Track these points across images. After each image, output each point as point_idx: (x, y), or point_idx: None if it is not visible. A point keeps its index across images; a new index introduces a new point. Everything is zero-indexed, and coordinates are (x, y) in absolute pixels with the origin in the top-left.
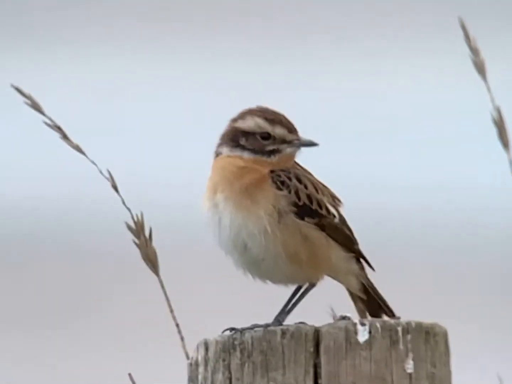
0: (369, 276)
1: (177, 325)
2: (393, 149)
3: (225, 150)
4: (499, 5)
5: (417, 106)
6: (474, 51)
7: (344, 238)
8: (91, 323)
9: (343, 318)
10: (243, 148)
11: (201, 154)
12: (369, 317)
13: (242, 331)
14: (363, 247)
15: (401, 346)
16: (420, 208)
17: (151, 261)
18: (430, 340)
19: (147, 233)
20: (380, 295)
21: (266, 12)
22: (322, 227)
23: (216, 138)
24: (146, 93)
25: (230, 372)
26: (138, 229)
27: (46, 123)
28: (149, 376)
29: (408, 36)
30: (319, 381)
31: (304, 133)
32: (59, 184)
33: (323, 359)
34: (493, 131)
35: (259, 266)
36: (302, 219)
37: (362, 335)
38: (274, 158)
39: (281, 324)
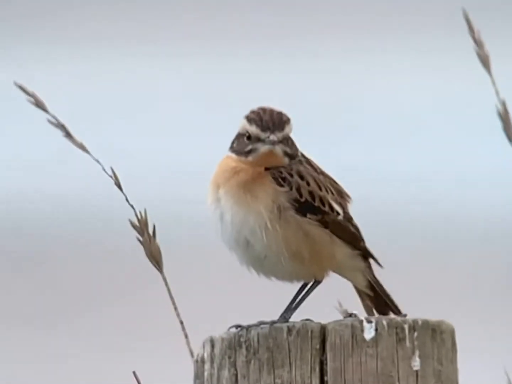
0: (377, 273)
1: (181, 323)
2: (397, 143)
3: (228, 151)
4: None
5: (421, 99)
6: (479, 44)
7: (349, 235)
8: (95, 321)
9: (350, 315)
10: (233, 149)
11: (205, 151)
12: (376, 314)
13: (248, 328)
14: (369, 243)
15: (407, 344)
16: (425, 202)
17: (155, 258)
18: (437, 338)
19: (151, 231)
20: (387, 293)
21: (267, 9)
22: (325, 224)
23: (219, 135)
24: (150, 91)
25: (236, 369)
26: (142, 227)
27: (49, 121)
28: (154, 374)
29: (411, 29)
30: (325, 378)
31: (306, 128)
32: (63, 182)
33: (329, 356)
34: (498, 125)
35: (262, 263)
36: (304, 216)
37: (369, 332)
38: (250, 158)
39: (287, 321)
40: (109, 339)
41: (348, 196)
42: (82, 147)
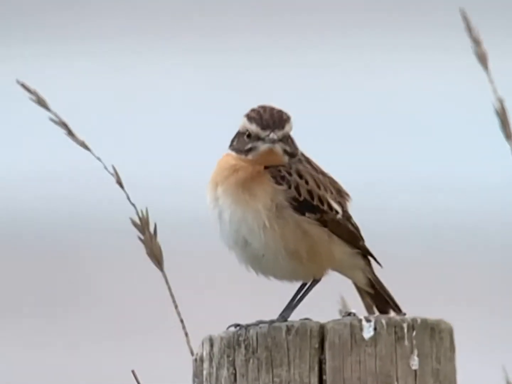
0: (377, 271)
1: (182, 321)
2: (394, 142)
3: (228, 149)
4: None
5: (418, 97)
6: (476, 42)
7: (348, 234)
8: (95, 319)
9: (349, 314)
10: (233, 147)
11: (206, 151)
12: (376, 312)
13: (247, 327)
14: (368, 243)
15: (406, 343)
16: (424, 203)
17: (156, 257)
18: (435, 337)
19: (152, 229)
20: (387, 291)
21: (269, 8)
22: (324, 223)
23: (221, 134)
24: (152, 90)
25: (234, 368)
26: (143, 225)
27: (51, 119)
28: (154, 372)
29: (409, 28)
30: (324, 377)
31: (306, 128)
32: (64, 180)
33: (328, 355)
34: (496, 122)
35: (260, 262)
36: (303, 214)
37: (367, 332)
38: (250, 156)
39: (286, 320)
40: (108, 337)
41: (347, 195)
42: (83, 145)
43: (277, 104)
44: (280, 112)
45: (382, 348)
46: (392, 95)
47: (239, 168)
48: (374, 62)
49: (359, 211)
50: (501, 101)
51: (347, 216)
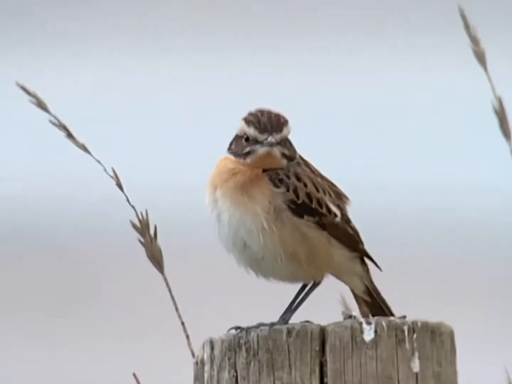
0: (377, 274)
1: (183, 324)
2: (392, 142)
3: (227, 152)
4: None
5: (416, 96)
6: (474, 41)
7: (347, 237)
8: (96, 322)
9: (349, 317)
10: (231, 150)
11: (206, 153)
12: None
13: (248, 330)
14: (368, 246)
15: (407, 345)
16: (422, 206)
17: (156, 259)
18: (436, 339)
19: (152, 232)
20: (384, 300)
21: (269, 8)
22: (323, 226)
23: (220, 137)
24: (152, 93)
25: (236, 371)
26: (143, 228)
27: (51, 122)
28: (155, 375)
29: (407, 26)
30: (325, 380)
31: (304, 126)
32: (64, 182)
33: (329, 357)
34: (494, 121)
35: (259, 264)
36: (302, 217)
37: (368, 334)
38: (249, 160)
39: (286, 323)
40: (109, 340)
41: (346, 198)
42: (83, 147)
43: (276, 105)
44: (278, 116)
45: (383, 351)
46: (389, 94)
47: (238, 171)
48: (371, 61)
49: (358, 213)
50: (499, 100)
51: (346, 219)
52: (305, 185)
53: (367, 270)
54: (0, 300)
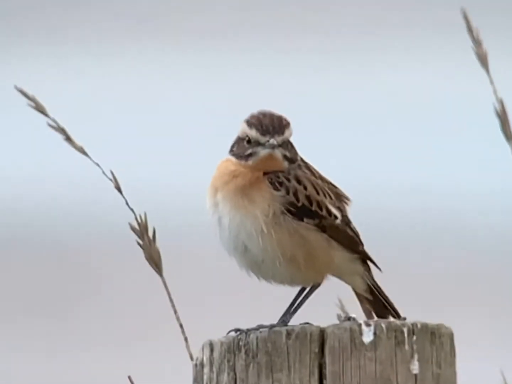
0: (377, 276)
1: (181, 326)
2: (392, 142)
3: (228, 154)
4: None
5: (418, 99)
6: (477, 43)
7: (347, 239)
8: (94, 324)
9: (349, 319)
10: (233, 152)
11: (206, 155)
12: (375, 318)
13: (247, 332)
14: (368, 248)
15: (406, 347)
16: (422, 207)
17: (155, 262)
18: (436, 341)
19: (150, 234)
20: (386, 297)
21: (272, 7)
22: (323, 229)
23: (219, 139)
24: (150, 95)
25: (235, 373)
26: (141, 230)
27: (49, 125)
28: (153, 377)
29: (410, 28)
30: (324, 382)
31: (305, 127)
32: (62, 186)
33: (328, 359)
34: (496, 124)
35: (259, 267)
36: (301, 220)
37: (367, 336)
38: (250, 162)
39: (286, 325)
40: (108, 342)
41: (347, 199)
42: (82, 150)
43: (277, 106)
44: (280, 118)
45: (382, 353)
46: (391, 95)
47: (238, 174)
48: (373, 63)
49: (358, 214)
50: (501, 102)
51: (346, 221)
52: (305, 188)
53: (368, 269)
54: None
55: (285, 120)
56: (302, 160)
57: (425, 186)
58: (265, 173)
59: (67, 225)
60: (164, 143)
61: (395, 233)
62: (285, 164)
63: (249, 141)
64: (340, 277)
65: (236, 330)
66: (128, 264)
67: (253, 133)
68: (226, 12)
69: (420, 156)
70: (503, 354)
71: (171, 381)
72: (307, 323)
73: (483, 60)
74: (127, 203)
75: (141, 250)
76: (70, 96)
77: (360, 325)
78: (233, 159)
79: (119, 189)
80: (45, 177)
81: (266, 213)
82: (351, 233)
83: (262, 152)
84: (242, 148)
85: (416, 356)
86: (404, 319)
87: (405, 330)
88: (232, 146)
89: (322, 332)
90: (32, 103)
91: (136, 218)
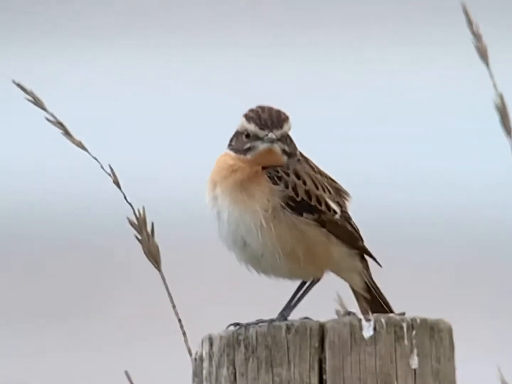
0: (377, 271)
1: (180, 321)
2: (392, 137)
3: (227, 148)
4: None
5: (418, 93)
6: (477, 37)
7: (346, 234)
8: (93, 319)
9: (348, 313)
10: (232, 147)
11: (204, 150)
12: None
13: (247, 326)
14: (367, 243)
15: (406, 342)
16: (423, 201)
17: (153, 256)
18: (435, 336)
19: (149, 229)
20: (383, 296)
21: (272, 3)
22: (322, 224)
23: (217, 134)
24: (148, 89)
25: (234, 367)
26: (140, 224)
27: (48, 119)
28: (152, 372)
29: (409, 22)
30: (324, 377)
31: (303, 124)
32: (61, 180)
33: (328, 354)
34: (496, 118)
35: (259, 262)
36: (301, 215)
37: (367, 331)
38: (249, 156)
39: (286, 319)
40: (106, 337)
41: (347, 194)
42: (80, 145)
43: (277, 102)
44: (279, 112)
45: (382, 348)
46: (391, 90)
47: (237, 168)
48: (372, 57)
49: (359, 209)
50: (501, 97)
51: (345, 217)
52: (304, 183)
53: (366, 267)
54: None
55: (284, 114)
56: (301, 154)
57: (425, 180)
58: (264, 168)
59: (65, 220)
60: (162, 137)
61: (394, 228)
62: (284, 158)
63: (248, 136)
64: (338, 273)
65: (236, 324)
66: (126, 258)
67: (251, 127)
68: (226, 9)
69: (419, 151)
70: (501, 351)
71: (170, 375)
72: (307, 317)
73: (483, 54)
74: (125, 198)
75: (139, 244)
76: (69, 91)
77: (360, 320)
78: (231, 153)
79: (117, 184)
80: (43, 172)
81: (266, 208)
82: (350, 228)
83: (261, 146)
84: (241, 142)
85: (415, 351)
86: (403, 314)
87: (404, 325)
88: (231, 140)
89: (322, 327)
90: (31, 98)
91: (134, 213)
